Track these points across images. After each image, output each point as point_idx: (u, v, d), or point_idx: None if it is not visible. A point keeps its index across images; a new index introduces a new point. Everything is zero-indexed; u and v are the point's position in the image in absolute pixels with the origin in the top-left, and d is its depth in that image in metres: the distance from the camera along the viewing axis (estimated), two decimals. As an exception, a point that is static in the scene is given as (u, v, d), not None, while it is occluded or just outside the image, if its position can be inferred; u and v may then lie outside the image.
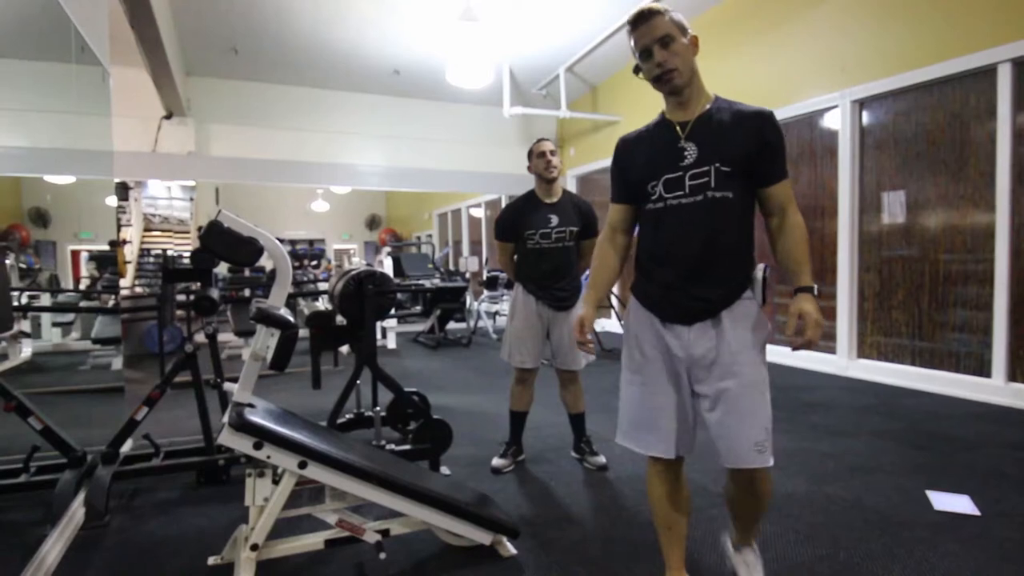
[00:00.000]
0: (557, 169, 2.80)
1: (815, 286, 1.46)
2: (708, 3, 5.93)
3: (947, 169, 4.17)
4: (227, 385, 1.89)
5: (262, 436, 1.73)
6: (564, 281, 2.80)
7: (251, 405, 1.82)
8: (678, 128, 1.56)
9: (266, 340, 1.77)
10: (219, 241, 1.63)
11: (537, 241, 2.80)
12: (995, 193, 3.88)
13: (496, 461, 2.91)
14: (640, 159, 1.61)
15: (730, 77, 5.88)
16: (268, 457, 1.75)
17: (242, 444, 1.72)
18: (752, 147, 1.48)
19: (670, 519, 1.64)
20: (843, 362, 4.80)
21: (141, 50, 5.05)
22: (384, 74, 7.37)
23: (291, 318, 1.72)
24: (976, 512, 2.30)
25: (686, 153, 1.53)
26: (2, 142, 4.46)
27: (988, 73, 3.90)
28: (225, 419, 1.77)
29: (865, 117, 4.72)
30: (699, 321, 1.52)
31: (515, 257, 2.93)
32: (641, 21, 1.51)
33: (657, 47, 1.50)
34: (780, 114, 5.31)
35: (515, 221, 2.85)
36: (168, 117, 6.67)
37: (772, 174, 1.52)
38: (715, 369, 1.49)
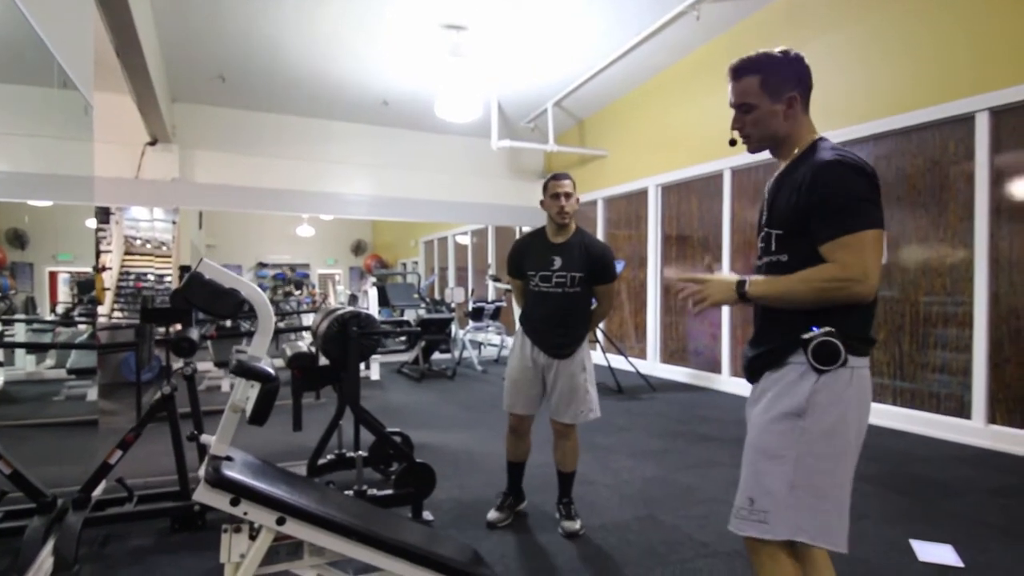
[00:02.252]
0: (570, 215, 2.58)
1: (745, 280, 1.37)
2: (699, 41, 6.05)
3: (927, 213, 4.26)
4: (204, 437, 1.84)
5: (239, 492, 1.67)
6: (563, 328, 2.57)
7: (228, 458, 1.77)
8: (767, 185, 1.54)
9: (245, 392, 1.73)
10: (199, 293, 1.60)
11: (537, 284, 2.60)
12: (974, 238, 3.96)
13: (492, 515, 2.71)
14: None
15: (710, 120, 5.99)
16: (245, 513, 1.69)
17: (218, 501, 1.66)
18: (799, 203, 1.34)
19: None
20: (826, 400, 4.82)
21: (126, 76, 5.03)
22: (372, 104, 7.41)
23: (272, 371, 1.68)
24: (960, 564, 2.30)
25: (763, 213, 1.50)
26: (-16, 167, 4.40)
27: (967, 121, 4.02)
28: (201, 472, 1.72)
29: (845, 159, 4.81)
30: (754, 381, 1.48)
31: None
32: (730, 77, 1.49)
33: (736, 111, 1.48)
34: (763, 154, 5.39)
35: (521, 259, 2.69)
36: (152, 143, 6.62)
37: (815, 235, 1.32)
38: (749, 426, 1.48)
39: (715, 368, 5.99)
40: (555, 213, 2.57)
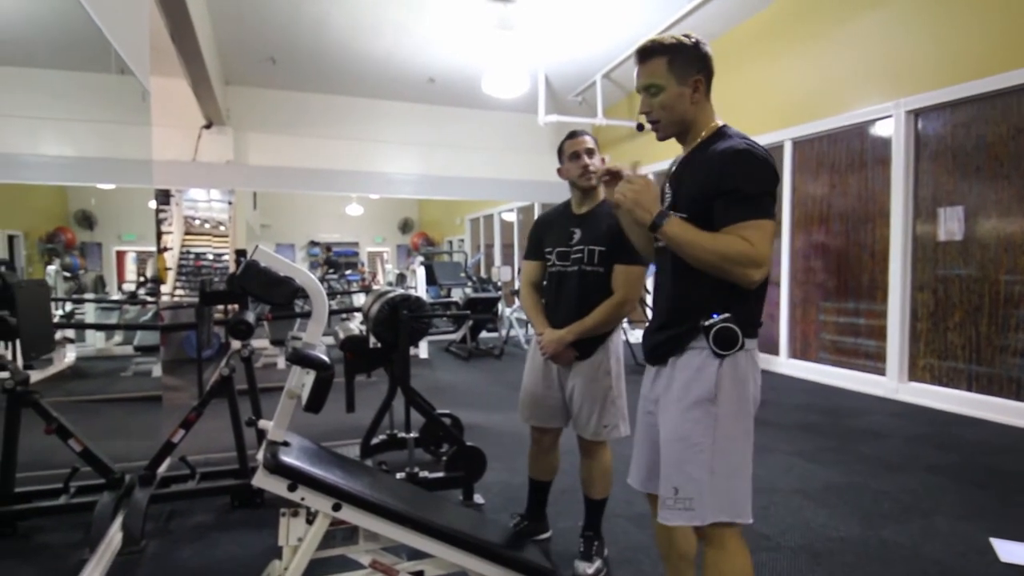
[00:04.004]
0: (597, 175, 1.98)
1: (670, 212, 1.39)
2: (754, 8, 5.75)
3: (1010, 185, 3.94)
4: (262, 423, 1.86)
5: (296, 478, 1.68)
6: (582, 318, 2.07)
7: (286, 443, 1.78)
8: (671, 166, 1.56)
9: (301, 378, 1.73)
10: (255, 282, 1.59)
11: (554, 262, 2.18)
12: (1063, 211, 3.65)
13: None
14: None
15: (776, 85, 5.71)
16: (302, 499, 1.70)
17: (276, 486, 1.68)
18: (706, 188, 1.37)
19: (660, 549, 1.74)
20: (893, 384, 4.59)
21: (181, 61, 5.13)
22: (419, 82, 7.36)
23: (327, 359, 1.67)
24: (1047, 565, 2.14)
25: (666, 196, 1.52)
26: (52, 151, 4.58)
27: (1056, 84, 3.67)
28: (259, 456, 1.74)
29: (921, 128, 4.50)
30: (658, 364, 1.52)
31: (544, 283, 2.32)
32: (637, 60, 1.47)
33: (644, 94, 1.47)
34: (829, 123, 5.13)
35: (542, 234, 2.28)
36: (208, 126, 6.77)
37: (721, 216, 1.35)
38: (659, 415, 1.50)
39: (772, 349, 5.78)
40: (578, 176, 2.12)
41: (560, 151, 2.20)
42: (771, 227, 1.33)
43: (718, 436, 1.37)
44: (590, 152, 2.12)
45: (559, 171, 2.23)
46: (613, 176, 1.56)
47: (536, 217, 2.43)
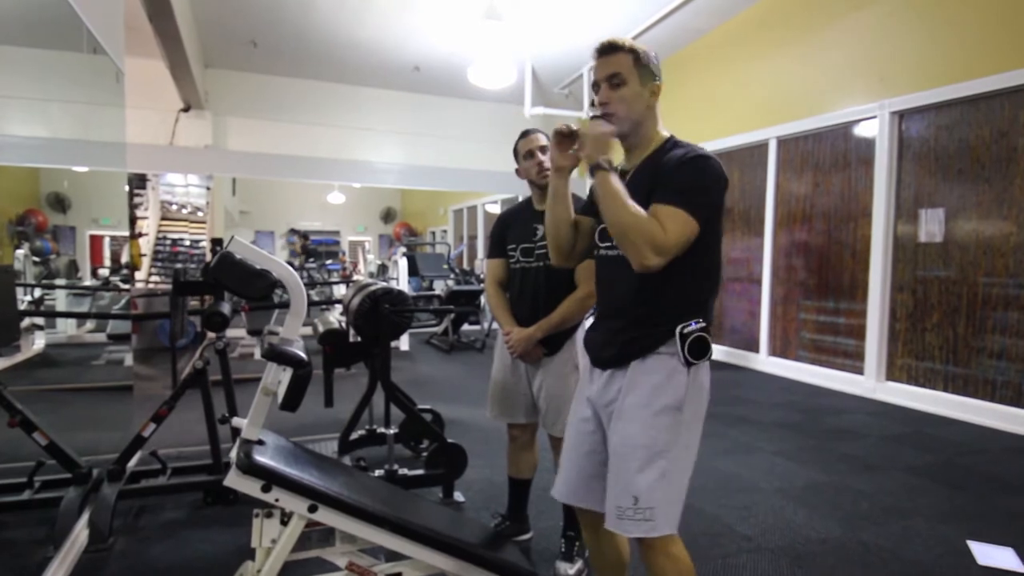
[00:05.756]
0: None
1: (611, 161, 1.37)
2: (738, 6, 5.73)
3: (990, 188, 3.98)
4: (236, 420, 1.79)
5: (270, 479, 1.62)
6: (547, 313, 2.07)
7: (260, 442, 1.72)
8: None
9: (277, 375, 1.67)
10: (230, 274, 1.52)
11: (518, 259, 2.17)
12: (1042, 216, 3.69)
13: None
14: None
15: (762, 83, 5.70)
16: (277, 500, 1.65)
17: (250, 487, 1.62)
18: (659, 184, 1.37)
19: (594, 561, 1.69)
20: (870, 384, 4.64)
21: (159, 42, 4.98)
22: (404, 70, 7.25)
23: (305, 355, 1.61)
24: (1022, 569, 2.16)
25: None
26: (21, 131, 4.40)
27: (1040, 89, 3.71)
28: (232, 455, 1.67)
29: (904, 129, 4.52)
30: (614, 367, 1.45)
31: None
32: (601, 53, 1.45)
33: (605, 85, 1.43)
34: (814, 123, 5.14)
35: (504, 231, 2.25)
36: (186, 110, 6.60)
37: (655, 192, 1.35)
38: (613, 420, 1.43)
39: (753, 347, 5.81)
40: (536, 174, 2.10)
41: (515, 151, 2.18)
42: (690, 223, 1.30)
43: (678, 444, 1.36)
44: (544, 149, 2.09)
45: (517, 171, 2.21)
46: (565, 137, 1.47)
47: (499, 214, 2.41)
